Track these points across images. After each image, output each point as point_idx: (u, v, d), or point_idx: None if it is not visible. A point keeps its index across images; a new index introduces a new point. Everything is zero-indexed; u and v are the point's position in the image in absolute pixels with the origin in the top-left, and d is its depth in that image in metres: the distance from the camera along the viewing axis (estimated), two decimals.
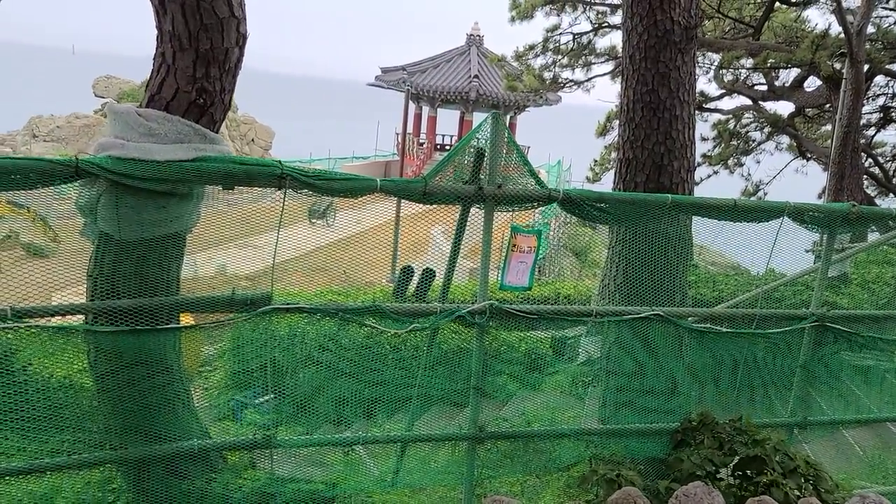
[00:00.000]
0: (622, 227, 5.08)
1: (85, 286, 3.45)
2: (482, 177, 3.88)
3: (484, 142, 3.85)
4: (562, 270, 19.16)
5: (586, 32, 16.93)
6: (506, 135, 3.93)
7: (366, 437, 4.07)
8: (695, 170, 5.30)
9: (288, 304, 3.66)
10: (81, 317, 3.31)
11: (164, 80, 3.17)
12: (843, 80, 10.47)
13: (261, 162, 3.41)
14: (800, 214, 4.35)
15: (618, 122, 5.40)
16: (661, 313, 4.41)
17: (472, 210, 4.01)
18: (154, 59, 3.20)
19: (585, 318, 4.33)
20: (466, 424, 4.28)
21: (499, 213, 4.06)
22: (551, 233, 19.76)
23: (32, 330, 3.04)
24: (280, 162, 3.40)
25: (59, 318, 3.22)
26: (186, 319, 5.39)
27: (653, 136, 4.98)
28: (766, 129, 19.31)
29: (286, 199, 3.55)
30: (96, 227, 3.16)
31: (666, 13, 4.82)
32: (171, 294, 3.40)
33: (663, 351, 4.65)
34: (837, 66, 12.91)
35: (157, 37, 3.15)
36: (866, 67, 12.61)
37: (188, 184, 3.23)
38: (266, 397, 5.11)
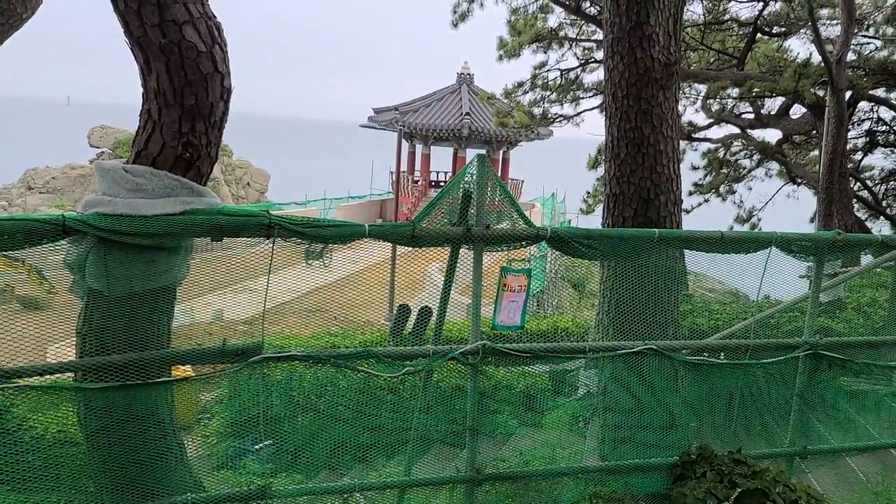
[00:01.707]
0: (612, 263, 5.10)
1: None
2: (470, 218, 3.91)
3: (471, 183, 3.89)
4: (560, 303, 19.13)
5: (574, 68, 17.21)
6: (492, 175, 3.98)
7: (362, 484, 4.03)
8: (682, 203, 5.36)
9: (279, 352, 3.66)
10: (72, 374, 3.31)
11: (151, 135, 3.22)
12: (826, 108, 10.63)
13: (249, 213, 3.44)
14: (787, 244, 4.39)
15: (604, 157, 5.48)
16: (655, 347, 4.41)
17: (463, 250, 4.04)
18: (140, 115, 3.25)
19: (578, 355, 4.32)
20: (464, 466, 4.24)
21: (497, 251, 4.10)
22: (547, 265, 19.78)
23: (21, 390, 3.04)
24: (268, 212, 3.43)
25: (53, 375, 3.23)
26: (183, 371, 5.38)
27: (638, 171, 5.05)
28: (756, 157, 19.53)
29: (283, 243, 3.58)
30: (85, 283, 3.17)
31: (646, 51, 4.93)
32: (161, 347, 3.39)
33: (659, 384, 4.64)
34: (821, 93, 13.11)
35: (143, 94, 3.21)
36: (850, 94, 12.81)
37: (176, 237, 3.25)
38: (264, 443, 5.08)
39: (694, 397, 4.82)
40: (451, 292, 4.34)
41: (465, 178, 3.89)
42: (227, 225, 3.30)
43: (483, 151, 33.59)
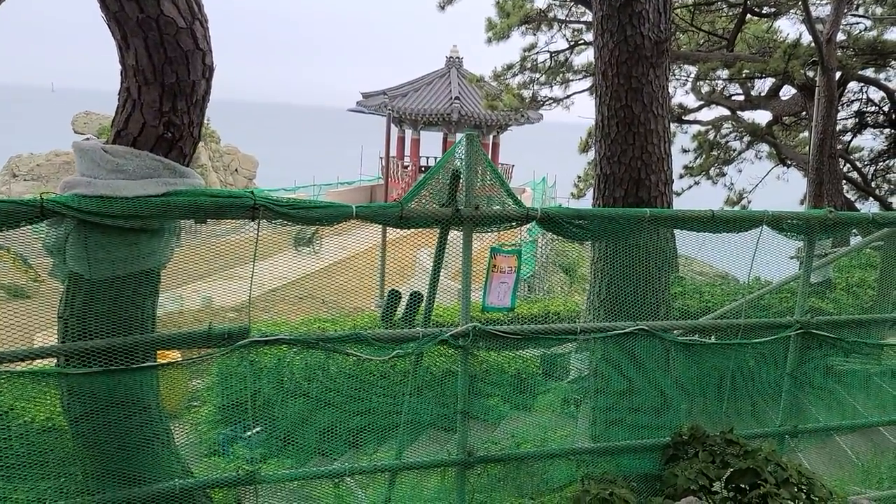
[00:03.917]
0: (603, 243, 5.06)
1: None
2: (459, 199, 3.85)
3: (459, 164, 3.83)
4: (551, 287, 19.14)
5: (563, 50, 17.10)
6: (482, 156, 3.92)
7: (352, 468, 3.99)
8: (672, 182, 5.31)
9: (266, 336, 3.60)
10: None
11: (131, 115, 3.13)
12: (816, 88, 10.60)
13: (233, 194, 3.37)
14: (778, 223, 4.35)
15: (594, 138, 5.42)
16: (646, 327, 4.38)
17: (456, 232, 3.98)
18: (119, 94, 3.16)
19: (570, 337, 4.28)
20: (455, 450, 4.21)
21: (486, 232, 4.04)
22: (539, 250, 19.77)
23: (3, 376, 2.97)
24: (252, 192, 3.36)
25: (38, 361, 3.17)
26: (172, 356, 5.31)
27: (629, 150, 4.99)
28: (746, 139, 19.53)
29: (271, 229, 3.52)
30: (65, 266, 3.10)
31: (636, 28, 4.85)
32: (145, 332, 3.33)
33: (650, 365, 4.62)
34: (810, 74, 13.09)
35: (122, 72, 3.11)
36: (839, 74, 12.78)
37: (159, 219, 3.18)
38: (255, 430, 5.04)
39: (685, 378, 4.80)
40: (443, 277, 4.29)
41: (454, 159, 3.83)
42: (211, 206, 3.23)
43: None
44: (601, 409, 4.84)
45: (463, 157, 3.81)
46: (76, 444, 3.34)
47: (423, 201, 3.92)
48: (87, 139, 3.23)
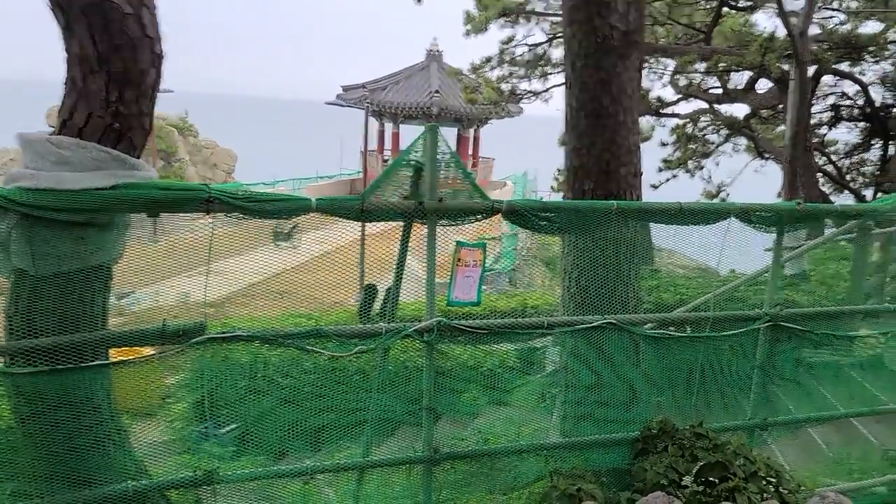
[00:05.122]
0: (572, 236, 5.01)
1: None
2: (423, 191, 3.78)
3: (422, 156, 3.76)
4: (532, 281, 19.14)
5: (541, 43, 17.06)
6: (445, 147, 3.85)
7: (314, 468, 3.92)
8: (642, 174, 5.27)
9: (224, 332, 3.50)
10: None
11: (76, 105, 3.02)
12: (791, 82, 10.63)
13: (186, 186, 3.27)
14: (747, 214, 4.32)
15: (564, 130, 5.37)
16: (614, 321, 4.34)
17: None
18: (64, 83, 3.05)
19: (537, 331, 4.23)
20: (421, 447, 4.15)
21: (452, 225, 3.97)
22: (519, 243, 19.75)
23: None
24: (207, 185, 3.27)
25: None
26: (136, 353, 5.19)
27: (598, 142, 4.94)
28: (723, 132, 19.60)
29: (252, 224, 3.45)
30: (10, 262, 2.99)
31: (604, 19, 4.79)
32: (95, 329, 3.22)
33: (620, 359, 4.58)
34: (786, 67, 13.12)
35: (66, 60, 3.01)
36: (814, 68, 12.84)
37: (107, 213, 3.08)
38: (229, 427, 4.94)
39: (655, 371, 4.77)
40: (419, 271, 4.22)
41: (416, 151, 3.76)
42: (164, 200, 3.13)
43: (454, 130, 33.37)
44: (571, 404, 4.80)
45: (425, 149, 3.73)
46: (25, 445, 3.23)
47: (387, 194, 3.85)
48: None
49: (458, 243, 3.97)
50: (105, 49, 2.94)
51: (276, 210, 3.41)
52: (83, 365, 3.07)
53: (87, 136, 3.05)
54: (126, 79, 3.03)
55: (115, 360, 3.33)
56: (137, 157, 3.24)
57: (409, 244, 4.07)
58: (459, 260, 3.97)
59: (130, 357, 3.37)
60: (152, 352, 3.37)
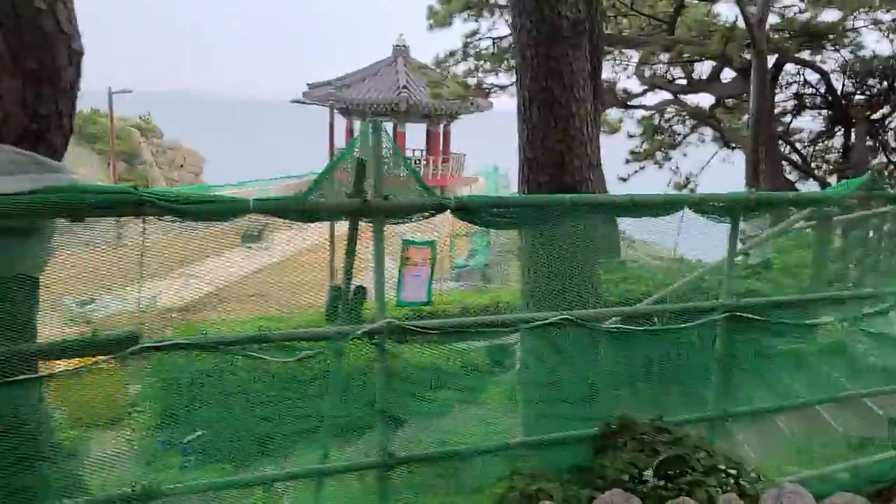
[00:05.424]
0: (527, 232, 4.92)
1: None
2: (367, 189, 3.67)
3: (364, 151, 3.65)
4: (506, 277, 19.12)
5: (505, 36, 16.96)
6: (389, 143, 3.73)
7: (262, 478, 3.79)
8: (599, 166, 5.21)
9: (160, 341, 3.36)
10: None
11: None
12: (752, 70, 10.68)
13: (113, 189, 3.13)
14: (700, 205, 4.26)
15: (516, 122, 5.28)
16: (570, 317, 4.25)
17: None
18: None
19: (490, 330, 4.14)
20: (374, 452, 4.04)
21: (399, 223, 3.86)
22: (493, 238, 19.70)
23: None
24: (136, 187, 3.12)
25: None
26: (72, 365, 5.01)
27: (551, 134, 4.85)
28: (689, 122, 19.72)
29: (224, 224, 3.32)
30: None
31: (553, 8, 4.71)
32: (19, 342, 3.06)
33: (578, 355, 4.50)
34: (748, 56, 13.19)
35: None
36: (776, 57, 12.92)
37: (26, 219, 2.92)
38: (193, 435, 4.78)
39: (615, 366, 4.70)
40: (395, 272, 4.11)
41: (358, 147, 3.64)
42: (90, 203, 2.97)
43: (423, 126, 33.19)
44: (531, 402, 4.73)
45: (367, 144, 3.62)
46: None
47: (330, 193, 3.74)
48: None
49: (405, 242, 3.86)
50: (17, 45, 2.78)
51: (212, 211, 3.27)
52: (5, 380, 2.91)
53: (3, 138, 2.88)
54: (42, 77, 2.87)
55: (43, 373, 3.17)
56: (59, 159, 3.09)
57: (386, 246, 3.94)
58: (408, 259, 3.87)
59: (60, 369, 3.22)
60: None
